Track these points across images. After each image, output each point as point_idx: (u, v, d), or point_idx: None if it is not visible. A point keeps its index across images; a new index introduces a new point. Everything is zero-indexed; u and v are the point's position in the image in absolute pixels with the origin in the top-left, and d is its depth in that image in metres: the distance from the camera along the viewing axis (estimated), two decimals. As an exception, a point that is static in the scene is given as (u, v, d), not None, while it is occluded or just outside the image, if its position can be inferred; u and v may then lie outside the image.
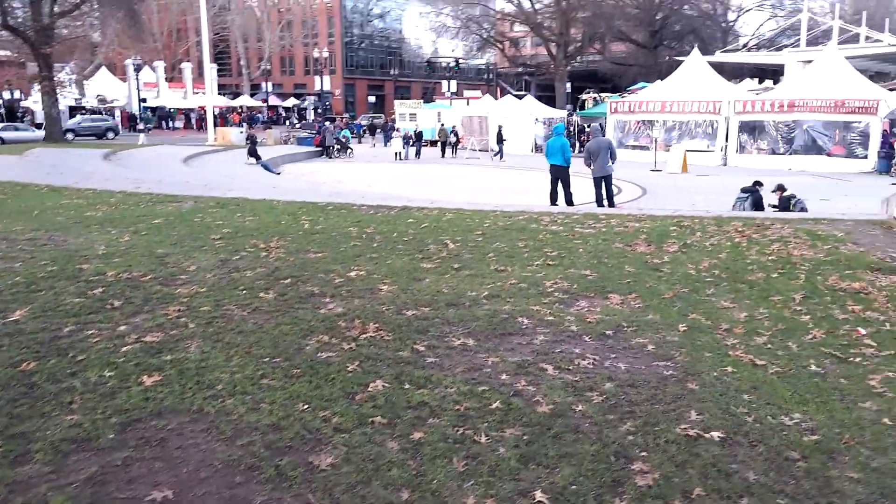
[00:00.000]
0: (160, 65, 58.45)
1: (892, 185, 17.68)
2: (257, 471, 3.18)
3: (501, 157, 32.07)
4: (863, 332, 5.12)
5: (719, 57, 45.19)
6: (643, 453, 3.36)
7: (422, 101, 50.39)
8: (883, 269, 6.97)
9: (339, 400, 3.89)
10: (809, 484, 3.13)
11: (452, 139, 36.07)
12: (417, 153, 34.07)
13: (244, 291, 6.02)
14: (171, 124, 56.10)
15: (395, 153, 33.09)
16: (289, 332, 4.99)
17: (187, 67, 60.91)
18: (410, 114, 44.09)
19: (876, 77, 33.72)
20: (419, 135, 35.88)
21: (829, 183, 21.30)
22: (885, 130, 25.01)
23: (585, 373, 4.32)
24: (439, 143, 36.01)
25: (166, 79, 59.69)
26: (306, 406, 3.79)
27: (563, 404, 3.87)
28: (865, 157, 25.30)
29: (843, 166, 25.11)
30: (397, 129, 37.55)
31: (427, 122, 40.71)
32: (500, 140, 32.80)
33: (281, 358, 4.49)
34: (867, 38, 44.53)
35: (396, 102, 48.98)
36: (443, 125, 37.88)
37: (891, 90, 29.39)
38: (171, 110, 57.47)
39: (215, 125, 38.97)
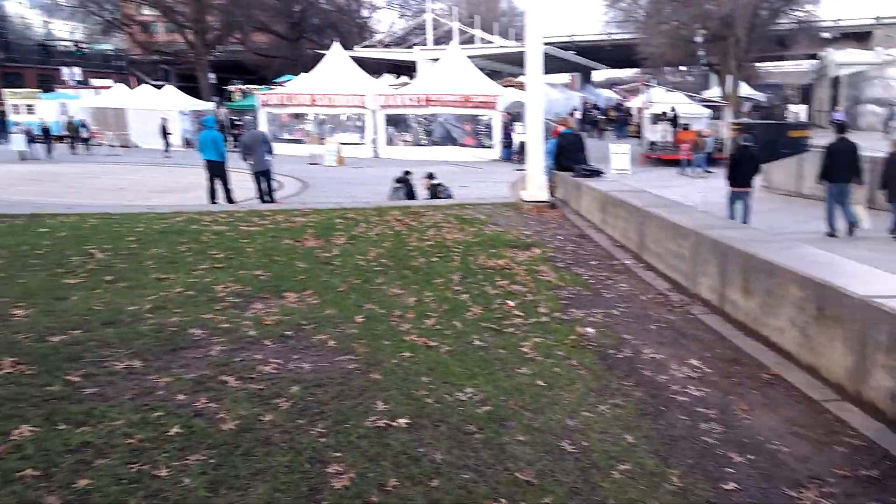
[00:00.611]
0: None
1: (515, 170, 20.34)
2: None
3: (167, 152, 29.79)
4: (511, 304, 5.77)
5: (358, 52, 47.30)
6: (337, 454, 3.32)
7: (40, 90, 43.93)
8: (519, 245, 7.96)
9: (-29, 460, 3.16)
10: (487, 454, 3.39)
11: (84, 134, 32.26)
12: (49, 151, 29.77)
13: None
14: None
15: (20, 152, 28.45)
16: None
17: None
18: (27, 105, 38.30)
19: (492, 75, 38.34)
20: (46, 130, 31.33)
21: (466, 171, 23.79)
22: (506, 122, 28.69)
23: (270, 379, 4.15)
24: (68, 139, 31.90)
25: None
26: (-77, 477, 3.01)
27: (249, 417, 3.65)
28: (492, 146, 28.79)
29: (476, 155, 28.24)
30: (17, 124, 32.30)
31: (49, 115, 35.69)
32: (164, 134, 30.37)
33: None
34: (482, 39, 50.48)
35: (6, 92, 42.01)
36: (70, 118, 33.64)
37: (506, 86, 33.77)
38: None
39: None
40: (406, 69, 50.51)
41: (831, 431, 3.78)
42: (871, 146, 15.15)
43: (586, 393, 4.12)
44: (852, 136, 12.45)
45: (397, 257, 7.28)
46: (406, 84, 38.24)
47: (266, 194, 13.74)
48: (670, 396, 4.15)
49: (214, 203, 13.13)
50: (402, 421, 3.64)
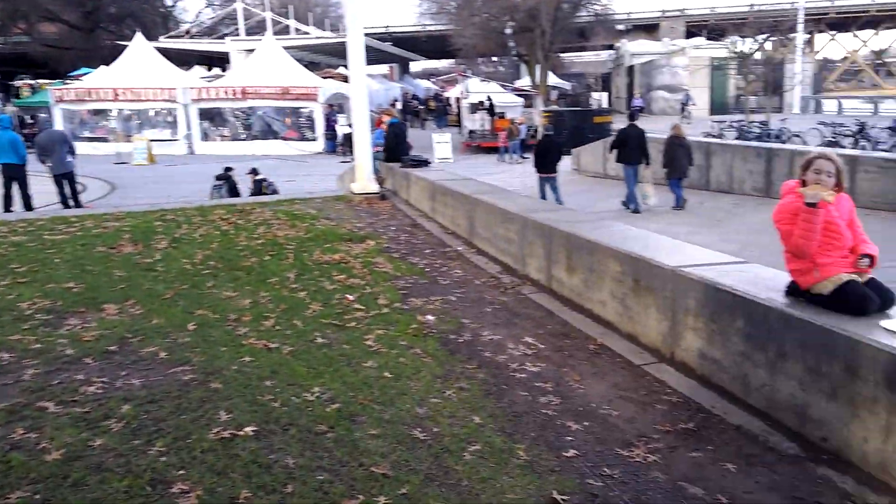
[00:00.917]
0: None
1: (341, 163, 20.21)
2: None
3: None
4: (351, 298, 5.73)
5: (164, 43, 44.57)
6: (181, 472, 3.14)
7: None
8: (354, 238, 7.92)
9: None
10: (341, 452, 3.35)
11: None
12: None
13: None
14: None
15: None
16: None
17: None
18: None
19: (310, 66, 37.66)
20: None
21: (291, 164, 23.27)
22: (328, 114, 28.37)
23: (96, 400, 3.82)
24: None
25: None
26: None
27: (77, 444, 3.35)
28: (315, 139, 28.36)
29: (299, 148, 27.70)
30: None
31: None
32: None
33: None
34: (297, 30, 49.40)
35: None
36: None
37: (325, 78, 33.37)
38: None
39: None
40: (218, 61, 48.31)
41: (652, 392, 4.15)
42: (662, 129, 16.68)
43: (432, 380, 4.20)
44: (649, 121, 13.68)
45: (227, 258, 6.98)
46: (220, 76, 36.63)
47: (70, 198, 12.61)
48: (510, 374, 4.34)
49: (10, 211, 11.84)
50: (249, 429, 3.51)
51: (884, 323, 3.26)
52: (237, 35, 46.62)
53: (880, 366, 3.03)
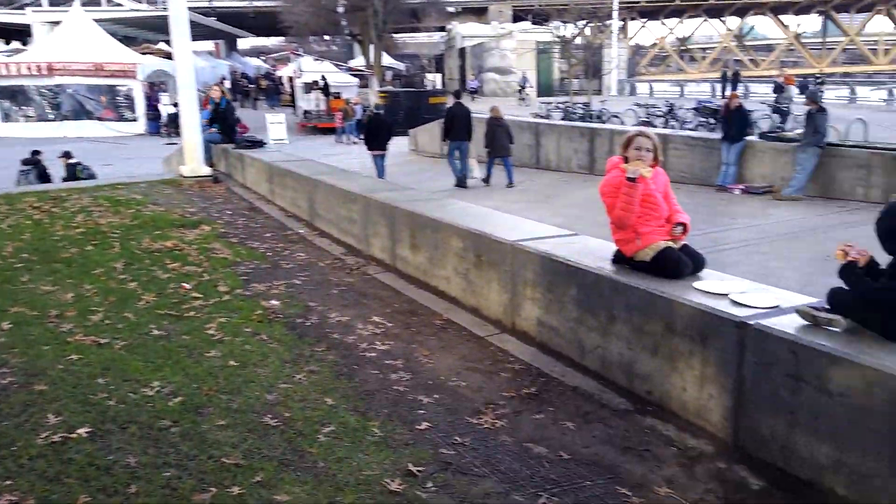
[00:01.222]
0: None
1: (166, 144, 19.02)
2: None
3: None
4: (188, 286, 5.47)
5: (-46, 12, 39.71)
6: (7, 482, 2.88)
7: None
8: (187, 224, 7.54)
9: None
10: (187, 446, 3.22)
11: None
12: None
13: None
14: None
15: None
16: None
17: None
18: None
19: (125, 41, 34.94)
20: None
21: (108, 147, 21.60)
22: (149, 93, 26.56)
23: None
24: None
25: None
26: None
27: None
28: (136, 119, 26.47)
29: (118, 129, 25.74)
30: None
31: None
32: None
33: None
34: (109, 1, 45.63)
35: None
36: None
37: (144, 53, 31.15)
38: None
39: None
40: (18, 34, 43.72)
41: (497, 361, 4.34)
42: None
43: (281, 365, 4.13)
44: (480, 102, 14.10)
45: (42, 250, 6.40)
46: (21, 51, 33.16)
47: None
48: (360, 354, 4.37)
49: None
50: (83, 430, 3.28)
51: (696, 284, 3.63)
52: (39, 5, 42.37)
53: (694, 322, 3.37)
